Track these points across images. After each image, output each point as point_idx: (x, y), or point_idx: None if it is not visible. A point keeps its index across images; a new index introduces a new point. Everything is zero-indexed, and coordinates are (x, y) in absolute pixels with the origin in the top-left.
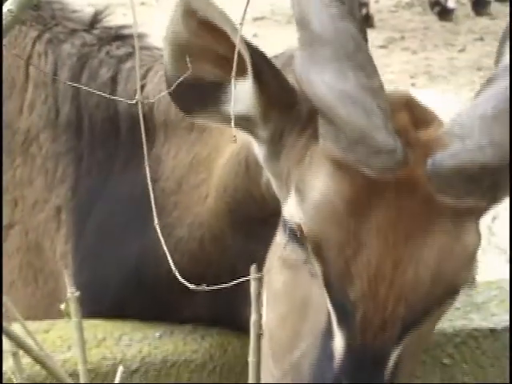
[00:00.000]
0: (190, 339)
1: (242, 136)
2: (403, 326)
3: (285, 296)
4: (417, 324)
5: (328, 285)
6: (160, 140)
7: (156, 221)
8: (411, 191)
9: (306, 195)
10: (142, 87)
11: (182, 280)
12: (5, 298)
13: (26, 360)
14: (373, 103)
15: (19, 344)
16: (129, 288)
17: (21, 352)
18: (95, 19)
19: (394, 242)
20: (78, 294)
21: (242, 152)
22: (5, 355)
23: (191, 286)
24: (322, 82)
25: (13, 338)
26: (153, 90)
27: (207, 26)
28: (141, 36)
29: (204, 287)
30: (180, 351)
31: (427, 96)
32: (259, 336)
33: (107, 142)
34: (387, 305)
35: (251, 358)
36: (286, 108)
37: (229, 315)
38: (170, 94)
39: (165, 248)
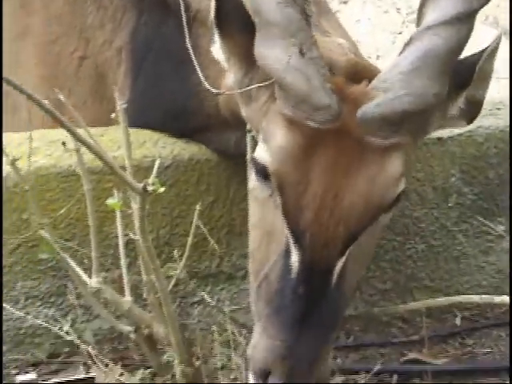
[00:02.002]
0: None
1: None
2: (343, 243)
3: (258, 225)
4: (354, 240)
5: (285, 214)
6: (197, 24)
7: (198, 68)
8: (346, 136)
9: (270, 142)
10: None
11: (208, 86)
12: (72, 108)
13: (86, 156)
14: (312, 69)
15: (82, 141)
16: (173, 119)
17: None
18: None
19: (334, 178)
20: (125, 105)
21: None
22: (70, 153)
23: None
24: (271, 55)
25: (77, 138)
26: None
27: None
28: None
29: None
30: (203, 152)
31: None
32: None
33: (161, 9)
34: (329, 227)
35: None
36: (245, 60)
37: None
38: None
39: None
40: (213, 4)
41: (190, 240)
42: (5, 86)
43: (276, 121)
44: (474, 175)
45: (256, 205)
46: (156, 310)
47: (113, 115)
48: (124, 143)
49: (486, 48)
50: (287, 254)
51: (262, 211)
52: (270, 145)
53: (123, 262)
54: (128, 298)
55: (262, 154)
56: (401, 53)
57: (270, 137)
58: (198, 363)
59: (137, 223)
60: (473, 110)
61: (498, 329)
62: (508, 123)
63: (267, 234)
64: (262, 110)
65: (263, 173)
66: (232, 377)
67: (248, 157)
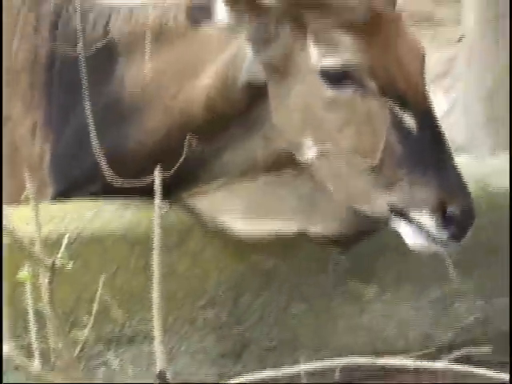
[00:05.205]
0: None
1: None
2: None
3: (349, 124)
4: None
5: (383, 93)
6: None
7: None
8: (382, 19)
9: (340, 49)
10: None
11: None
12: None
13: None
14: None
15: None
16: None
17: None
18: None
19: (395, 50)
20: (35, 186)
21: (226, 69)
22: None
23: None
24: None
25: None
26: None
27: None
28: None
29: None
30: (105, 228)
31: None
32: None
33: (72, 94)
34: (418, 84)
35: None
36: (250, 9)
37: None
38: None
39: None
40: None
41: (95, 306)
42: None
43: (334, 32)
44: None
45: (337, 110)
46: (64, 373)
47: (23, 196)
48: (34, 220)
49: None
50: (398, 123)
51: (349, 109)
52: (341, 50)
53: (33, 329)
54: (37, 363)
55: (336, 61)
56: None
57: (339, 44)
58: None
59: (45, 296)
60: None
61: None
62: None
63: (364, 124)
64: (291, 37)
65: (339, 77)
66: None
67: None
